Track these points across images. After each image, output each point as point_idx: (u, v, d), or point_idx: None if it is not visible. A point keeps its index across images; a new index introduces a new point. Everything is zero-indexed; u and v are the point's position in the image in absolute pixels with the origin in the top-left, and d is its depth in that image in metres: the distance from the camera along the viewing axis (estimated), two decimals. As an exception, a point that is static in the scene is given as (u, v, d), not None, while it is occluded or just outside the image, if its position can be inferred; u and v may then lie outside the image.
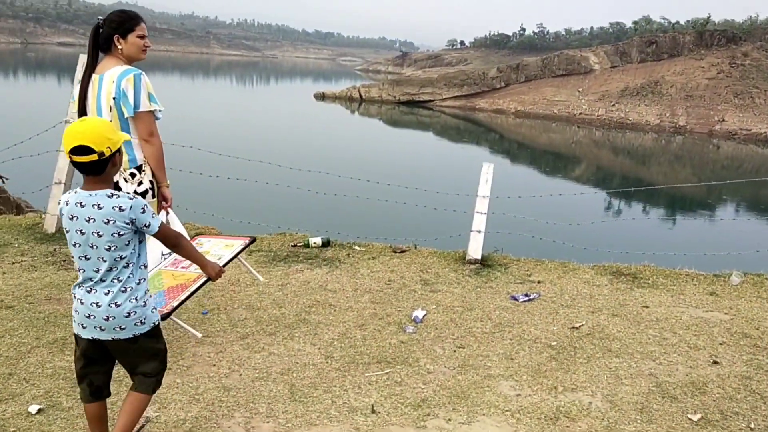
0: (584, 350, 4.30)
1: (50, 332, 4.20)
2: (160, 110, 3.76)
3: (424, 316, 4.74)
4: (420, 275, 5.65)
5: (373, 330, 4.50)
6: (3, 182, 23.01)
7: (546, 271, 5.90)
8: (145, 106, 3.67)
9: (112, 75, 3.65)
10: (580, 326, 4.68)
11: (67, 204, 2.51)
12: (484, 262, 5.97)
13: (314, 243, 6.21)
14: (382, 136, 52.68)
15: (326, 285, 5.32)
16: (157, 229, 2.57)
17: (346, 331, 4.47)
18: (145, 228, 2.53)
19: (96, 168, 2.43)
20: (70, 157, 2.42)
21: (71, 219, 2.49)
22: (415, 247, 6.34)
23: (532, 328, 4.63)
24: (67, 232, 2.52)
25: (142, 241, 2.60)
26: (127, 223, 2.47)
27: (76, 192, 2.51)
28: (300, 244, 6.22)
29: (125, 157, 3.72)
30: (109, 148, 2.41)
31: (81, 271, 2.53)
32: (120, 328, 2.53)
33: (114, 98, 3.62)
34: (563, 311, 4.99)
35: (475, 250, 5.98)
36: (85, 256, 2.49)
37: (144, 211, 2.50)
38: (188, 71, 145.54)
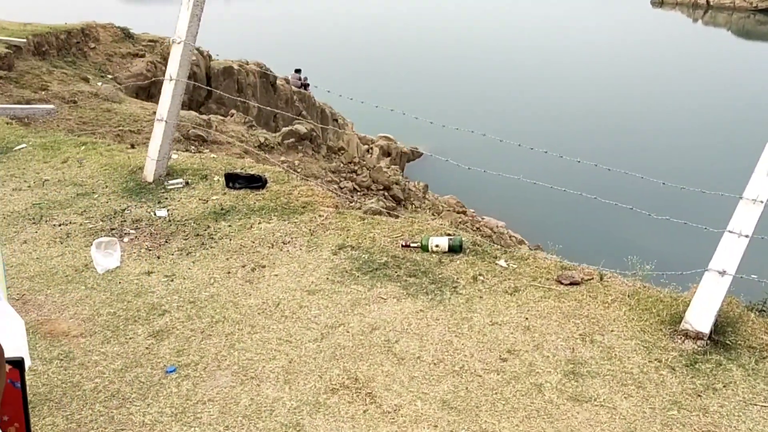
0: None
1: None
2: None
3: (511, 475, 2.34)
4: (575, 346, 3.07)
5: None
6: (306, 87, 23.99)
7: None
8: None
9: None
10: None
11: None
12: (718, 338, 3.09)
13: (436, 246, 3.95)
14: (715, 54, 44.36)
15: (398, 340, 3.12)
16: None
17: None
18: None
19: None
20: None
21: None
22: (601, 279, 3.65)
23: None
24: None
25: None
26: None
27: None
28: (416, 245, 4.02)
29: None
30: None
31: None
32: None
33: None
34: None
35: (700, 312, 3.13)
36: None
37: None
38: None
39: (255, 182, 4.96)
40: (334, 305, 3.41)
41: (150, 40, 18.50)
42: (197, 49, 19.14)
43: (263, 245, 4.06)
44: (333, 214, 4.50)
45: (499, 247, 4.05)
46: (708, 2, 73.31)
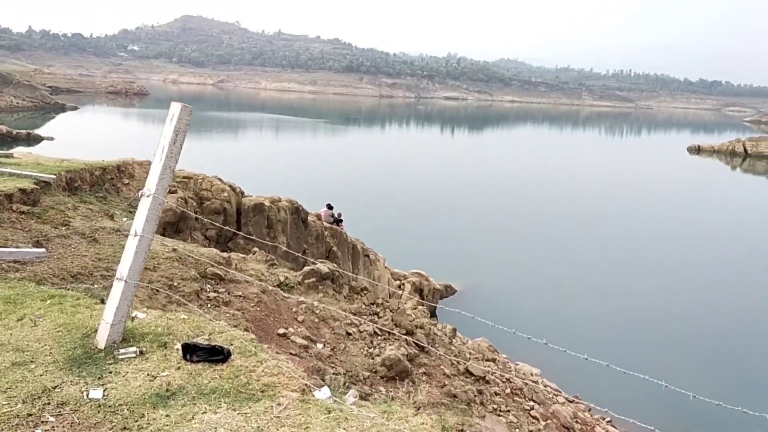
0: None
1: None
2: None
3: None
4: None
5: None
6: (339, 223, 23.90)
7: None
8: None
9: None
10: None
11: None
12: None
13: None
14: (757, 202, 43.70)
15: None
16: None
17: None
18: None
19: None
20: None
21: None
22: None
23: None
24: None
25: None
26: None
27: None
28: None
29: None
30: None
31: None
32: None
33: None
34: None
35: None
36: None
37: None
38: (557, 122, 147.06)
39: (216, 355, 4.30)
40: None
41: (185, 177, 18.79)
42: (230, 186, 19.37)
43: (196, 448, 3.32)
44: (295, 402, 3.76)
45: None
46: (746, 150, 73.85)
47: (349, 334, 14.90)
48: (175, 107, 4.49)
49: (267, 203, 20.79)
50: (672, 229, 36.44)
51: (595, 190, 47.11)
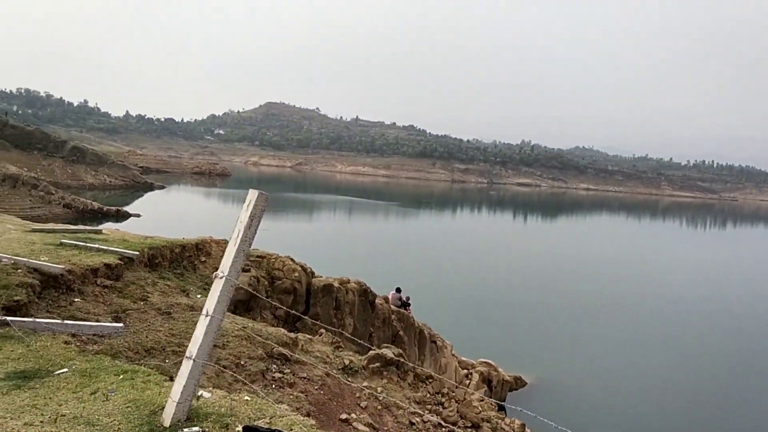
0: None
1: None
2: None
3: None
4: None
5: None
6: (406, 306, 23.69)
7: None
8: None
9: None
10: None
11: None
12: None
13: None
14: None
15: None
16: None
17: None
18: None
19: None
20: None
21: None
22: None
23: None
24: None
25: None
26: None
27: None
28: None
29: None
30: None
31: None
32: None
33: None
34: None
35: None
36: None
37: None
38: (635, 211, 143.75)
39: (274, 440, 4.32)
40: None
41: (258, 256, 19.28)
42: (301, 266, 19.72)
43: None
44: None
45: None
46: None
47: (412, 423, 14.53)
48: (252, 194, 4.71)
49: (336, 284, 20.98)
50: (763, 329, 34.36)
51: (680, 285, 45.25)
